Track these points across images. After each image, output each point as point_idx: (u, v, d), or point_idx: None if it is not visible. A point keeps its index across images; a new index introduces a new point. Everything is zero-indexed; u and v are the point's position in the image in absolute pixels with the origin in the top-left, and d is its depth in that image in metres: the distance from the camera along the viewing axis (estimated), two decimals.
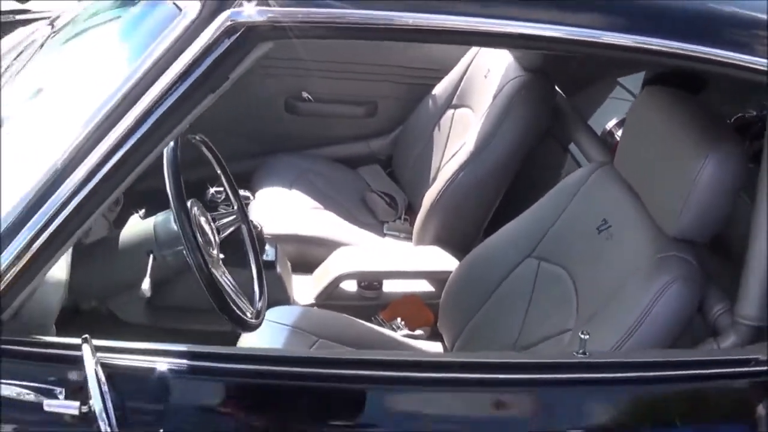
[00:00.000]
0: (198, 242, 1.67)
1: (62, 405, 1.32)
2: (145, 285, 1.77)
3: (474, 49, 3.00)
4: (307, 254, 2.69)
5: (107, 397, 1.27)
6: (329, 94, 3.27)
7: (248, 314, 1.78)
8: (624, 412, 1.54)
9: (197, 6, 1.28)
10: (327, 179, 3.11)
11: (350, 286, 2.57)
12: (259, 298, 1.92)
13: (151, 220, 1.92)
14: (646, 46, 1.39)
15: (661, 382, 1.53)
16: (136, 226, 1.94)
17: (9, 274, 1.33)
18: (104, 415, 1.25)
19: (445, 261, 2.59)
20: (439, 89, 3.08)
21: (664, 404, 1.57)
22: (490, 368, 1.52)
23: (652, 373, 1.53)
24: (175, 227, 1.76)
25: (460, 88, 2.98)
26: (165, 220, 1.90)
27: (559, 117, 2.71)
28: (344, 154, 3.31)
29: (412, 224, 2.91)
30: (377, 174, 3.25)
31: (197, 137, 1.94)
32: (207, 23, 1.25)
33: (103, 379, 1.29)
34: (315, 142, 3.30)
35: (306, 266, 2.66)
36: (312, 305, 2.52)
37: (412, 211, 3.02)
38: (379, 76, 3.28)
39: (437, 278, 2.54)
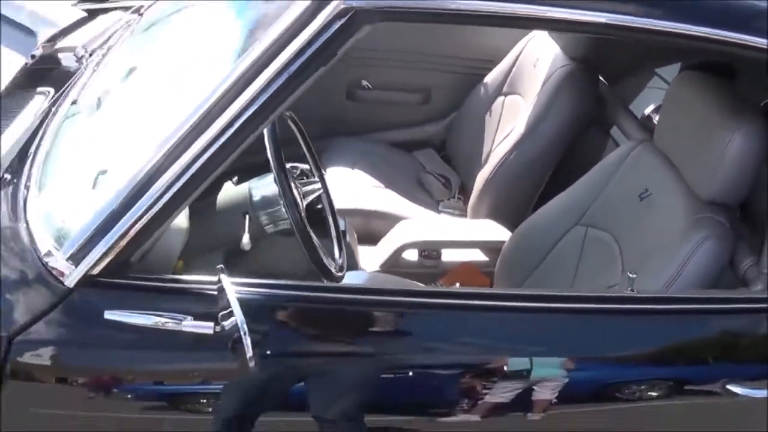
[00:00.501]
0: (296, 199, 1.93)
1: (197, 325, 1.56)
2: (245, 239, 2.02)
3: (523, 41, 3.23)
4: (372, 227, 2.93)
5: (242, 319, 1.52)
6: (387, 83, 3.50)
7: (333, 268, 2.04)
8: (665, 345, 1.79)
9: None
10: (386, 161, 3.33)
11: (412, 255, 2.80)
12: (340, 255, 2.17)
13: (246, 185, 2.16)
14: (684, 32, 1.64)
15: (699, 313, 1.78)
16: (231, 191, 2.18)
17: (140, 224, 1.57)
18: (244, 326, 1.50)
19: (498, 232, 2.81)
20: (490, 78, 3.31)
21: (701, 342, 1.82)
22: (545, 299, 1.78)
23: (691, 306, 1.78)
24: (269, 192, 2.03)
25: (510, 77, 3.21)
26: (259, 184, 2.14)
27: (602, 103, 2.94)
28: (401, 139, 3.53)
29: (465, 203, 3.15)
30: (432, 157, 3.48)
31: (287, 113, 2.19)
32: (322, 7, 1.49)
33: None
34: (374, 127, 3.53)
35: (370, 238, 2.90)
36: (377, 273, 2.76)
37: (464, 191, 3.25)
38: (433, 66, 3.50)
39: (492, 248, 2.77)
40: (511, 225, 2.76)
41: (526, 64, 3.15)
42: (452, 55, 3.50)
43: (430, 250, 2.80)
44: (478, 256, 2.86)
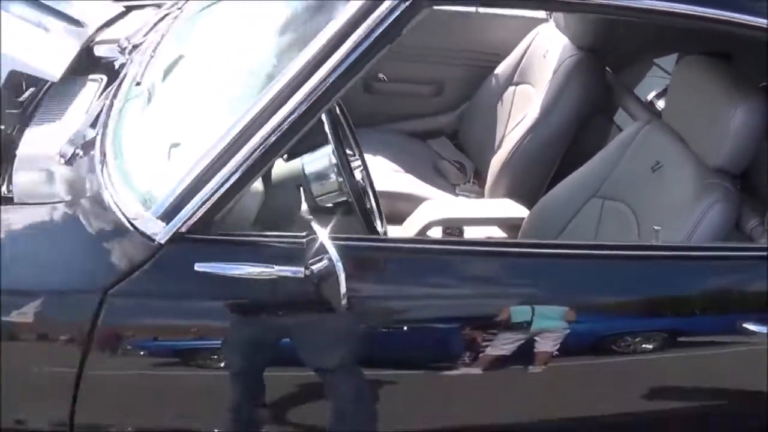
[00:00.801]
0: (351, 168, 2.14)
1: (288, 270, 1.76)
2: (304, 207, 2.23)
3: (531, 34, 3.43)
4: (397, 208, 3.10)
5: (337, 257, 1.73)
6: (402, 76, 3.67)
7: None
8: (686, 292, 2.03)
9: None
10: (404, 150, 3.52)
11: (436, 232, 2.98)
12: (382, 225, 2.38)
13: (299, 161, 2.36)
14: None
15: (713, 260, 2.01)
16: (284, 166, 2.37)
17: (224, 187, 1.77)
18: (340, 265, 1.71)
19: (517, 210, 2.99)
20: (501, 69, 3.52)
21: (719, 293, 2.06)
22: (570, 247, 2.04)
23: (705, 253, 2.02)
24: (321, 165, 2.23)
25: (520, 67, 3.42)
26: (312, 158, 2.33)
27: (609, 90, 3.16)
28: (415, 129, 3.73)
29: (480, 186, 3.35)
30: (446, 145, 3.69)
31: None
32: None
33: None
34: (390, 118, 3.72)
35: (396, 218, 3.07)
36: None
37: (478, 175, 3.45)
38: (445, 59, 3.70)
39: (511, 224, 2.96)
40: (528, 204, 2.95)
41: (536, 55, 3.36)
42: (463, 49, 3.70)
43: (453, 228, 2.98)
44: (498, 233, 3.05)
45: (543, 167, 3.15)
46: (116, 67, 2.59)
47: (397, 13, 1.71)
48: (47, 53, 2.55)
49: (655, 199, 2.38)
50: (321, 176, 2.27)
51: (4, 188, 2.08)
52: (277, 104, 1.75)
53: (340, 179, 2.17)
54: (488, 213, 3.08)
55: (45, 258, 1.88)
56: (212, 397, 1.96)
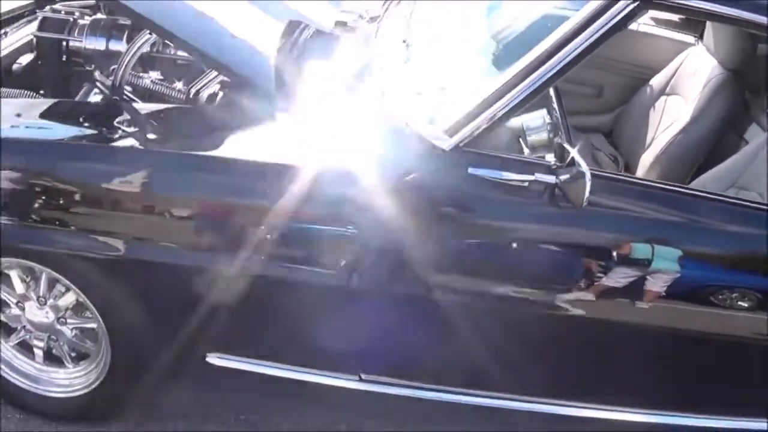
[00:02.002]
0: (560, 126, 2.66)
1: (544, 177, 2.47)
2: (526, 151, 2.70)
3: (684, 54, 4.09)
4: None
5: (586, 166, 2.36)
6: (571, 77, 4.31)
7: None
8: None
9: None
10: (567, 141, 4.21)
11: None
12: None
13: (519, 119, 2.71)
14: None
15: None
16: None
17: (493, 118, 2.51)
18: (588, 173, 2.35)
19: None
20: (655, 81, 4.15)
21: None
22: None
23: None
24: (537, 123, 2.97)
25: (672, 81, 4.04)
26: (529, 118, 2.79)
27: (746, 107, 3.76)
28: (577, 124, 4.32)
29: None
30: (601, 140, 4.35)
31: None
32: None
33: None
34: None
35: None
36: None
37: (627, 169, 4.06)
38: (607, 67, 4.37)
39: None
40: None
41: (687, 72, 3.99)
42: (623, 60, 4.36)
43: None
44: None
45: (686, 166, 3.73)
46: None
47: (626, 11, 2.41)
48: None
49: None
50: (536, 131, 3.00)
51: None
52: (532, 68, 2.49)
53: (551, 135, 2.69)
54: None
55: (351, 149, 2.56)
56: None
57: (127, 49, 3.19)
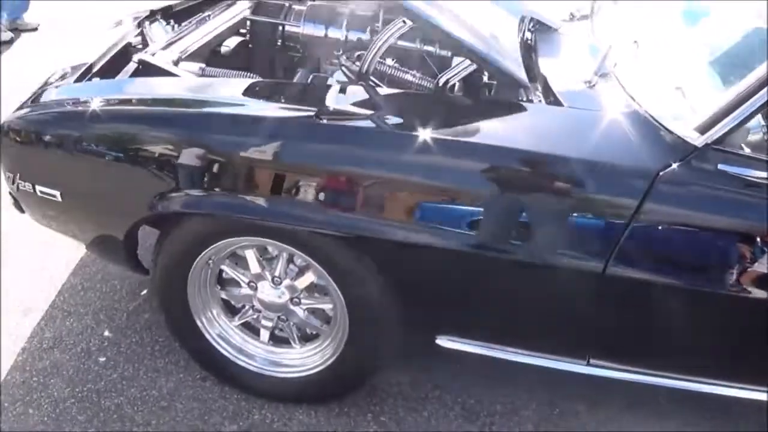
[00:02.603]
0: None
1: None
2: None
3: None
4: None
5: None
6: None
7: None
8: None
9: None
10: None
11: None
12: None
13: None
14: None
15: None
16: None
17: (738, 118, 2.52)
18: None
19: None
20: None
21: None
22: None
23: None
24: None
25: None
26: None
27: None
28: None
29: None
30: None
31: None
32: None
33: None
34: None
35: None
36: None
37: None
38: None
39: None
40: None
41: None
42: None
43: None
44: None
45: None
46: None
47: None
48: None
49: None
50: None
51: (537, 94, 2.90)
52: None
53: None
54: None
55: (602, 142, 2.64)
56: None
57: (378, 37, 3.23)
